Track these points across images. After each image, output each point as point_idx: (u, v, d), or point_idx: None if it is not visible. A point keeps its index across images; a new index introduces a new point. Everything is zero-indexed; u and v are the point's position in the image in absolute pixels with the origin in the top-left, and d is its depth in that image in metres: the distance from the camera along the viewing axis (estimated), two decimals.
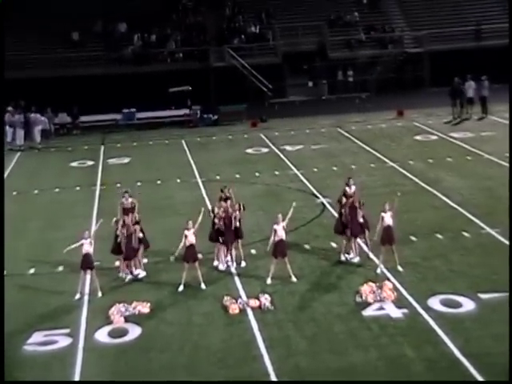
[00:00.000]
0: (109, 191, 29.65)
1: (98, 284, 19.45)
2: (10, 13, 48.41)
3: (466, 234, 22.71)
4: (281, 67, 50.59)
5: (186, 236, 19.27)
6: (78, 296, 19.25)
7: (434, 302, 17.95)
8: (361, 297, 18.34)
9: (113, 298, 18.88)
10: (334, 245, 21.88)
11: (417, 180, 28.94)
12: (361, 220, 20.73)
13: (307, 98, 50.30)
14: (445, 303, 17.90)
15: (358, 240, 21.05)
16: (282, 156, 34.52)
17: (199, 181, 30.67)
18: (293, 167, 32.13)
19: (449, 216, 24.62)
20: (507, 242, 21.43)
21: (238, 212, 20.70)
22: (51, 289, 20.08)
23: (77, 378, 15.56)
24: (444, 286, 18.86)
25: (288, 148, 35.98)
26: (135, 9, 51.20)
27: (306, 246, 22.26)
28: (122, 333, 17.31)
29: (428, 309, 17.66)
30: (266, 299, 18.32)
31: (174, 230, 20.20)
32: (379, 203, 20.71)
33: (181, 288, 19.39)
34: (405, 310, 17.68)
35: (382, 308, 17.84)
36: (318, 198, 27.39)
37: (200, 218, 19.59)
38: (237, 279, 20.06)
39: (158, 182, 31.02)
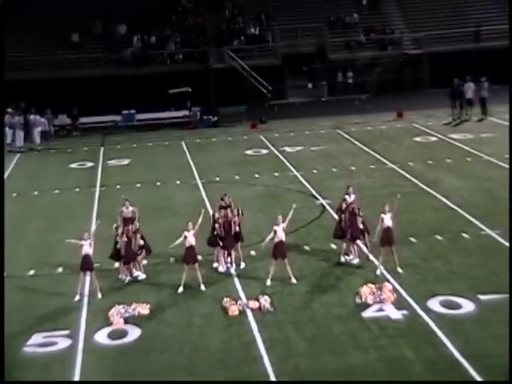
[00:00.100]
0: (108, 192, 29.67)
1: (97, 285, 19.45)
2: (10, 13, 48.47)
3: (465, 235, 22.71)
4: (280, 69, 50.61)
5: (185, 237, 19.28)
6: (77, 297, 19.24)
7: (434, 304, 17.95)
8: (360, 298, 18.34)
9: (112, 300, 18.87)
10: (333, 246, 21.87)
11: (416, 181, 28.95)
12: (361, 226, 20.75)
13: (307, 99, 50.34)
14: (444, 304, 17.90)
15: (358, 242, 21.06)
16: (281, 157, 34.54)
17: (199, 182, 30.67)
18: (292, 168, 32.14)
19: (448, 217, 24.62)
20: (507, 244, 21.44)
21: (237, 217, 20.71)
22: (51, 290, 20.08)
23: (76, 379, 15.55)
24: (444, 288, 18.86)
25: (288, 149, 35.99)
26: (135, 10, 51.26)
27: (306, 248, 22.26)
28: (122, 334, 17.30)
29: (428, 310, 17.66)
30: (265, 300, 18.31)
31: (173, 231, 20.19)
32: (379, 204, 20.71)
33: (180, 289, 19.39)
34: (404, 312, 17.68)
35: (381, 309, 17.83)
36: (317, 199, 27.40)
37: (200, 220, 19.59)
38: (236, 280, 20.06)
39: (158, 183, 31.02)
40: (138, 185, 30.67)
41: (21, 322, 18.04)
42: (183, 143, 38.91)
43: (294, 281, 19.61)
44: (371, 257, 20.84)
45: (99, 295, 19.33)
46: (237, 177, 31.20)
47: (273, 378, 15.10)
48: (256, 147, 36.90)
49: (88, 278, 19.59)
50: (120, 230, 20.19)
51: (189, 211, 23.54)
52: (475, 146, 34.05)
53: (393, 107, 43.36)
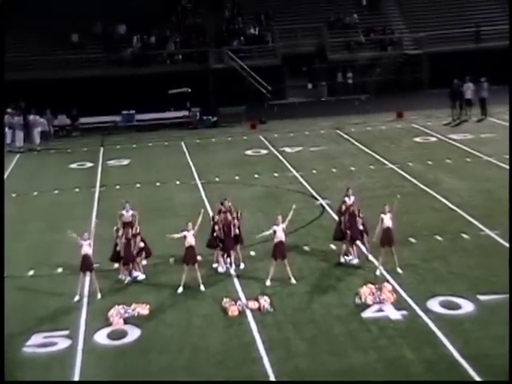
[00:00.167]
0: (108, 193, 29.68)
1: (97, 286, 19.45)
2: (10, 13, 48.47)
3: (465, 235, 22.72)
4: (280, 69, 50.61)
5: (185, 236, 19.28)
6: (77, 298, 19.24)
7: (434, 304, 17.95)
8: (360, 298, 18.33)
9: (112, 300, 18.87)
10: (333, 247, 21.86)
11: (416, 182, 28.95)
12: (360, 227, 20.76)
13: (306, 99, 50.33)
14: (444, 305, 17.90)
15: (358, 242, 21.06)
16: (281, 158, 34.54)
17: (198, 183, 30.66)
18: (292, 169, 32.14)
19: (448, 218, 24.62)
20: (506, 244, 21.44)
21: (236, 220, 20.70)
22: (50, 291, 20.07)
23: (76, 379, 15.54)
24: (443, 288, 18.86)
25: (287, 150, 35.99)
26: (134, 10, 51.27)
27: (306, 248, 22.25)
28: (122, 334, 17.29)
29: (427, 310, 17.66)
30: (265, 301, 18.31)
31: (173, 231, 20.18)
32: (378, 205, 20.72)
33: (180, 290, 19.39)
34: (404, 312, 17.67)
35: (381, 310, 17.83)
36: (317, 199, 27.40)
37: (200, 220, 19.59)
38: (236, 281, 20.05)
39: (158, 183, 31.02)
40: (138, 185, 30.67)
41: (20, 323, 18.04)
42: (183, 143, 38.90)
43: (293, 281, 19.60)
44: (371, 257, 20.85)
45: (99, 295, 19.33)
46: (236, 177, 31.20)
47: (272, 379, 15.09)
48: (256, 147, 36.90)
49: (88, 279, 19.58)
50: (120, 233, 20.19)
51: (188, 212, 23.53)
52: (475, 147, 34.05)
53: (392, 107, 43.38)
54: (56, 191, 30.64)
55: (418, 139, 36.84)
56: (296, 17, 52.84)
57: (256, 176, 31.33)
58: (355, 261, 20.83)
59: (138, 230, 20.44)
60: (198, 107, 43.94)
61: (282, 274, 19.62)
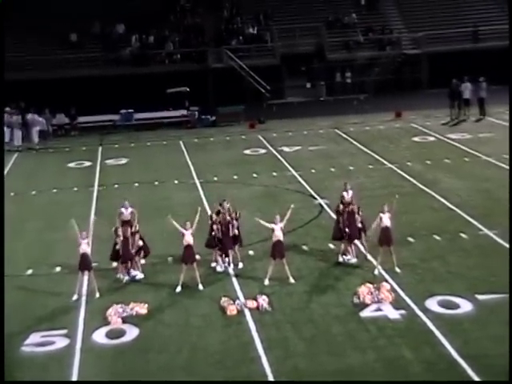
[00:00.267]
0: (107, 192, 29.65)
1: (95, 285, 19.43)
2: (10, 13, 48.44)
3: (463, 235, 22.71)
4: (279, 68, 50.61)
5: (183, 235, 19.26)
6: (75, 297, 19.22)
7: (432, 304, 17.95)
8: (358, 298, 18.32)
9: (110, 299, 18.86)
10: (331, 246, 21.85)
11: (415, 181, 28.94)
12: (359, 225, 20.73)
13: (305, 99, 50.36)
14: (443, 304, 17.89)
15: (356, 241, 21.05)
16: (279, 157, 34.52)
17: (197, 182, 30.64)
18: (291, 168, 32.12)
19: (447, 217, 24.62)
20: (505, 244, 21.44)
21: (235, 221, 20.66)
22: (49, 290, 20.06)
23: (74, 378, 15.54)
24: (442, 288, 18.85)
25: (286, 149, 35.98)
26: (133, 10, 51.25)
27: (304, 248, 22.24)
28: (120, 334, 17.28)
29: (426, 310, 17.65)
30: (263, 300, 18.30)
31: (171, 231, 20.16)
32: (377, 205, 20.71)
33: (178, 289, 19.37)
34: (402, 312, 17.67)
35: (379, 309, 17.82)
36: (315, 199, 27.39)
37: (197, 218, 19.58)
38: (234, 280, 20.04)
39: (156, 183, 31.00)
40: (136, 184, 30.66)
41: (19, 322, 18.01)
42: (181, 143, 38.88)
43: (292, 281, 19.59)
44: (369, 257, 20.84)
45: (97, 295, 19.31)
46: (235, 176, 31.19)
47: (271, 378, 15.08)
48: (254, 147, 36.88)
49: (86, 278, 19.58)
50: (119, 232, 20.16)
51: (187, 211, 23.46)
52: (473, 146, 34.06)
53: (391, 107, 43.37)
54: (54, 190, 30.62)
55: (416, 139, 36.84)
56: (295, 16, 52.85)
57: (255, 175, 31.32)
58: (353, 260, 20.82)
59: (136, 228, 20.43)
60: (197, 106, 43.95)
61: (281, 274, 19.61)
